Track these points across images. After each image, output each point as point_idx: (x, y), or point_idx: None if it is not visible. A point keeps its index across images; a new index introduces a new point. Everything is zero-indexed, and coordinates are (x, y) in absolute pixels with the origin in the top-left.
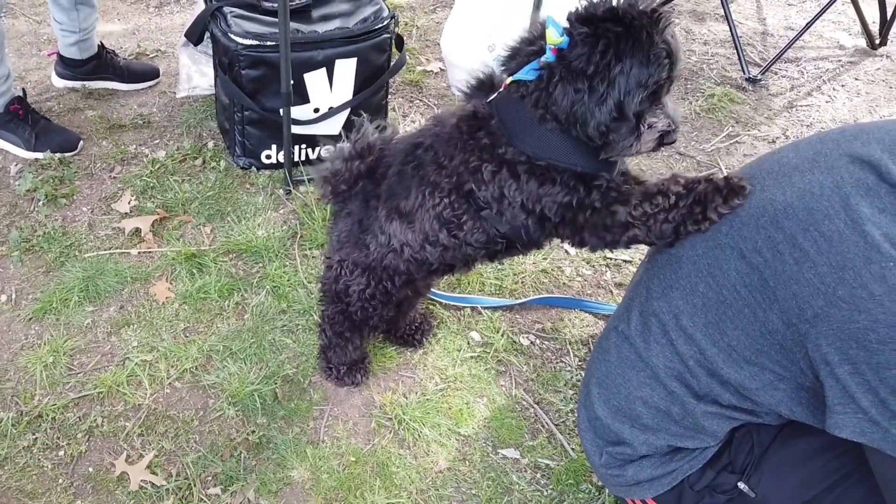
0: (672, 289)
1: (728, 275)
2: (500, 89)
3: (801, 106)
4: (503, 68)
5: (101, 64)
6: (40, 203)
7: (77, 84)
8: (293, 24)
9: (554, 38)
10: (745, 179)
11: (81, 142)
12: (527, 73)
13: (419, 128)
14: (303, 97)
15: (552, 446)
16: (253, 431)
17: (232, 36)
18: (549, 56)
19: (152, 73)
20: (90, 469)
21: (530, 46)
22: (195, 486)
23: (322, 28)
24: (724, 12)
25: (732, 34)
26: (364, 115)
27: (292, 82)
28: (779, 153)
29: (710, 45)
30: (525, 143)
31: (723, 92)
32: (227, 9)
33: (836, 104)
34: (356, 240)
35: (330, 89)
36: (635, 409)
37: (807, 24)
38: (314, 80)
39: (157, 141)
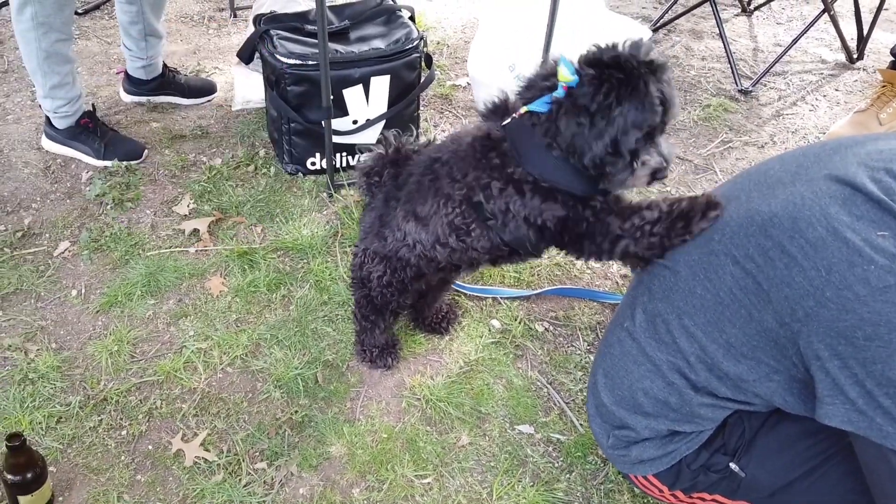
0: (672, 291)
1: (724, 279)
2: (515, 115)
3: (788, 114)
4: (519, 97)
5: (164, 82)
6: (108, 207)
7: (143, 99)
8: (333, 45)
9: (565, 76)
10: (719, 197)
11: (146, 151)
12: (539, 106)
13: (439, 143)
14: (342, 110)
15: (563, 422)
16: (296, 411)
17: (278, 56)
18: (559, 92)
19: (210, 89)
20: (149, 447)
21: (545, 81)
22: (244, 461)
23: (358, 48)
24: (719, 31)
25: (726, 50)
26: (395, 131)
27: (332, 97)
28: (766, 165)
29: (707, 60)
30: (533, 166)
31: (718, 102)
32: (273, 31)
33: (818, 112)
34: (377, 232)
35: (366, 103)
36: (637, 399)
37: (793, 40)
38: (352, 95)
39: (214, 150)
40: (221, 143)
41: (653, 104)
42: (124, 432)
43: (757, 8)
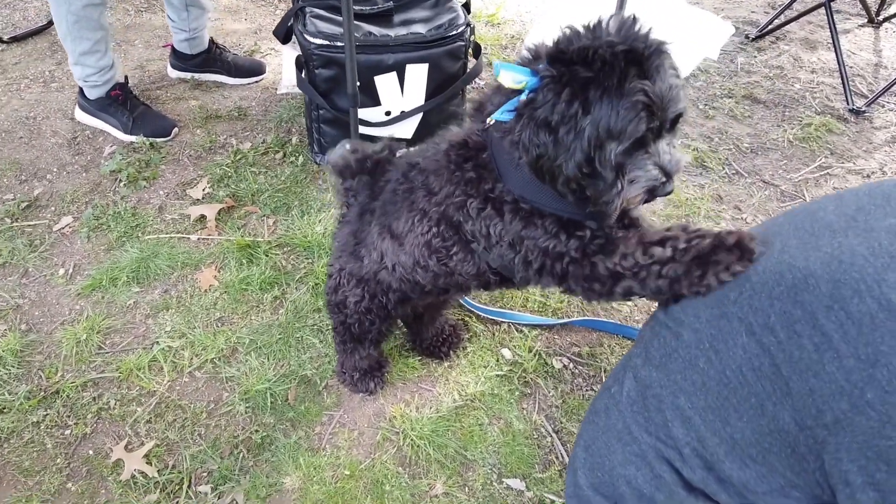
0: (671, 358)
1: (733, 352)
2: (489, 120)
3: None
4: (490, 98)
5: (209, 58)
6: (121, 184)
7: (187, 75)
8: (369, 27)
9: (509, 83)
10: (756, 241)
11: (176, 129)
12: (503, 114)
13: (424, 145)
14: (374, 99)
15: (562, 481)
16: (257, 430)
17: (306, 35)
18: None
19: (258, 70)
20: (90, 452)
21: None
22: (187, 481)
23: (395, 32)
24: (833, 41)
25: (839, 63)
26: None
27: (362, 84)
28: (818, 203)
29: (817, 73)
30: (512, 184)
31: (821, 121)
32: (308, 8)
33: None
34: (351, 250)
35: (401, 93)
36: (618, 488)
37: None
38: (385, 83)
39: (248, 133)
40: (256, 127)
41: (634, 107)
42: (68, 432)
43: (887, 19)
